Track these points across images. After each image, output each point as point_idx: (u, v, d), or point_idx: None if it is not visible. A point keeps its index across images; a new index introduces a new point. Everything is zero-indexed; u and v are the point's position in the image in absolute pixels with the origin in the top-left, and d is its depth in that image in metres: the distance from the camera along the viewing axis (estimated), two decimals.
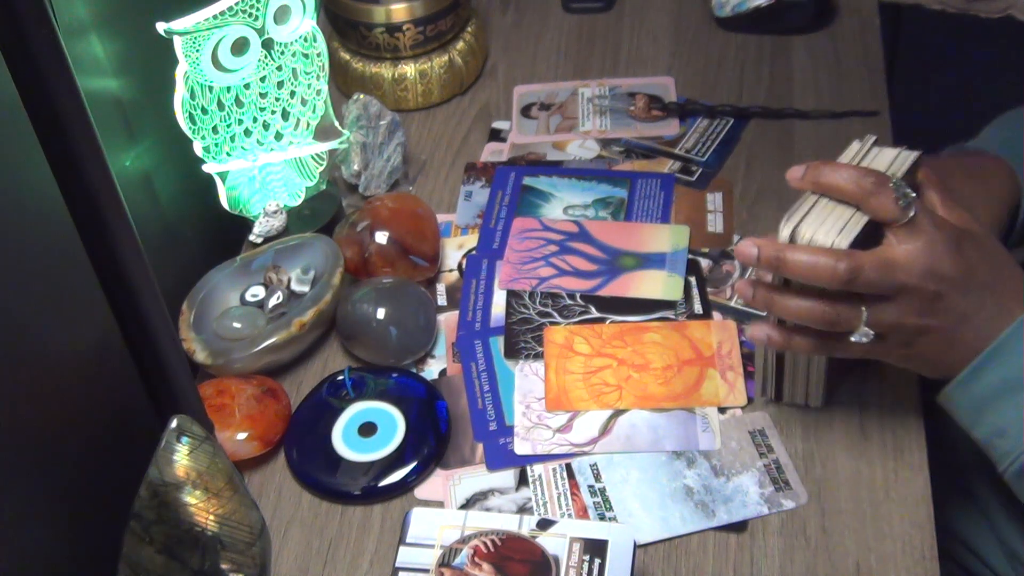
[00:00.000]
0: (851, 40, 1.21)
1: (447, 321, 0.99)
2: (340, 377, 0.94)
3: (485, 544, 0.76)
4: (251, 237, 1.03)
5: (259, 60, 0.98)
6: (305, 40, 1.01)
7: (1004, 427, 0.77)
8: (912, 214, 0.75)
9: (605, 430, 0.89)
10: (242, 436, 0.88)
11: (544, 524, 0.77)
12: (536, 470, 0.88)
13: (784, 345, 0.81)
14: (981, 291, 0.77)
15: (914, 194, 0.75)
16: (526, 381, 0.93)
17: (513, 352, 0.95)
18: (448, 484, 0.87)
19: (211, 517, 0.71)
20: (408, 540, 0.77)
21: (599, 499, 0.85)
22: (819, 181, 0.77)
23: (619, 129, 1.15)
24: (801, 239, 0.77)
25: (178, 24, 0.90)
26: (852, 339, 0.77)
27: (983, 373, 0.77)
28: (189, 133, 0.96)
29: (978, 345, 0.77)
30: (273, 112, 1.01)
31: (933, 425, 0.88)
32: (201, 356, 0.93)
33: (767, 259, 0.76)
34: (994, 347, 0.76)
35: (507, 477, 0.87)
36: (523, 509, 0.85)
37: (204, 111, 0.96)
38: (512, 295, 0.99)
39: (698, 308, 0.97)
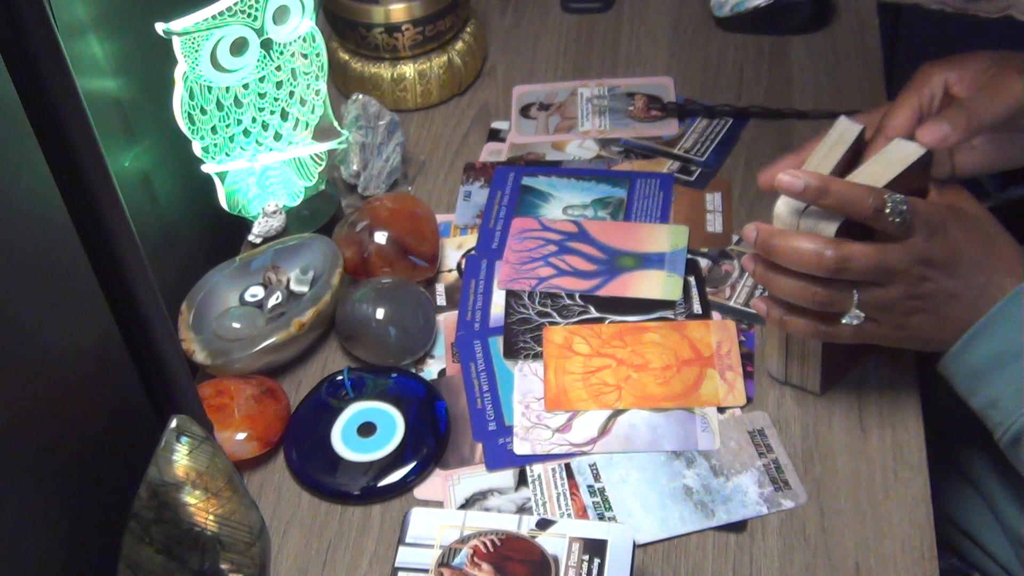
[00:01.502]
0: (850, 40, 1.22)
1: (446, 321, 0.99)
2: (339, 377, 0.94)
3: (484, 544, 0.76)
4: (250, 237, 1.03)
5: (258, 60, 0.98)
6: (304, 40, 1.01)
7: (996, 398, 0.79)
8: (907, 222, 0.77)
9: (604, 430, 0.89)
10: (241, 436, 0.88)
11: (543, 524, 0.77)
12: (535, 470, 0.88)
13: (779, 323, 0.83)
14: (970, 269, 0.79)
15: (906, 206, 0.76)
16: (525, 381, 0.93)
17: (512, 352, 0.95)
18: (447, 484, 0.87)
19: (211, 517, 0.71)
20: (407, 540, 0.77)
21: (598, 499, 0.85)
22: (821, 201, 0.78)
23: (618, 129, 1.15)
24: (785, 219, 0.79)
25: (177, 24, 0.90)
26: (844, 321, 0.79)
27: (975, 345, 0.79)
28: (188, 133, 0.96)
29: (970, 320, 0.79)
30: (272, 112, 1.01)
31: (932, 414, 0.88)
32: (201, 356, 0.93)
33: (761, 244, 0.79)
34: (985, 320, 0.78)
35: (506, 477, 0.87)
36: (522, 509, 0.85)
37: (203, 111, 0.96)
38: (511, 295, 0.99)
39: (697, 308, 0.97)
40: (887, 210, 0.76)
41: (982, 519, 0.95)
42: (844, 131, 0.83)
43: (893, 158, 0.81)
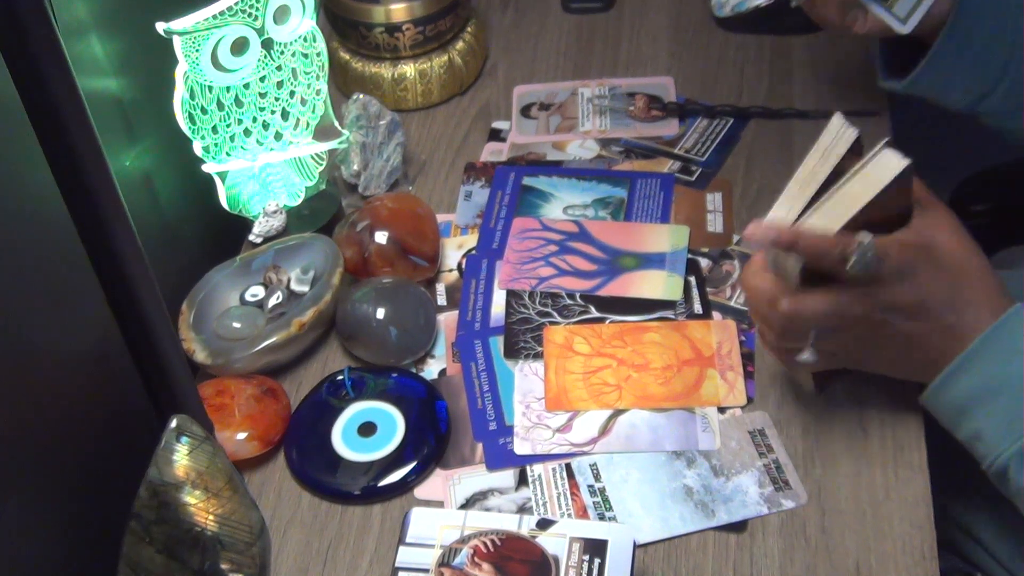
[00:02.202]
0: (851, 40, 1.21)
1: (447, 321, 0.99)
2: (340, 377, 0.94)
3: (485, 544, 0.76)
4: (251, 237, 1.03)
5: (259, 60, 0.98)
6: (305, 40, 1.01)
7: (979, 432, 0.78)
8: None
9: (605, 430, 0.89)
10: (242, 436, 0.88)
11: (544, 524, 0.77)
12: (536, 470, 0.88)
13: (759, 333, 0.85)
14: (938, 311, 0.78)
15: (871, 253, 0.75)
16: (526, 381, 0.93)
17: (513, 352, 0.95)
18: (448, 484, 0.87)
19: (211, 517, 0.71)
20: (408, 540, 0.77)
21: (599, 499, 0.85)
22: (792, 250, 0.76)
23: (619, 129, 1.15)
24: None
25: (178, 24, 0.90)
26: (798, 358, 0.79)
27: (955, 381, 0.78)
28: (189, 133, 0.96)
29: (932, 359, 0.79)
30: (273, 112, 1.01)
31: (932, 437, 0.88)
32: (201, 356, 0.93)
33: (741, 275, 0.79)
34: (964, 356, 0.77)
35: (507, 477, 0.87)
36: (523, 509, 0.85)
37: (204, 111, 0.96)
38: (512, 295, 0.99)
39: (698, 308, 0.97)
40: (852, 260, 0.74)
41: (984, 519, 0.95)
42: (839, 137, 0.79)
43: (875, 176, 0.77)
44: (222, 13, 0.93)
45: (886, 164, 0.77)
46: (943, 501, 0.88)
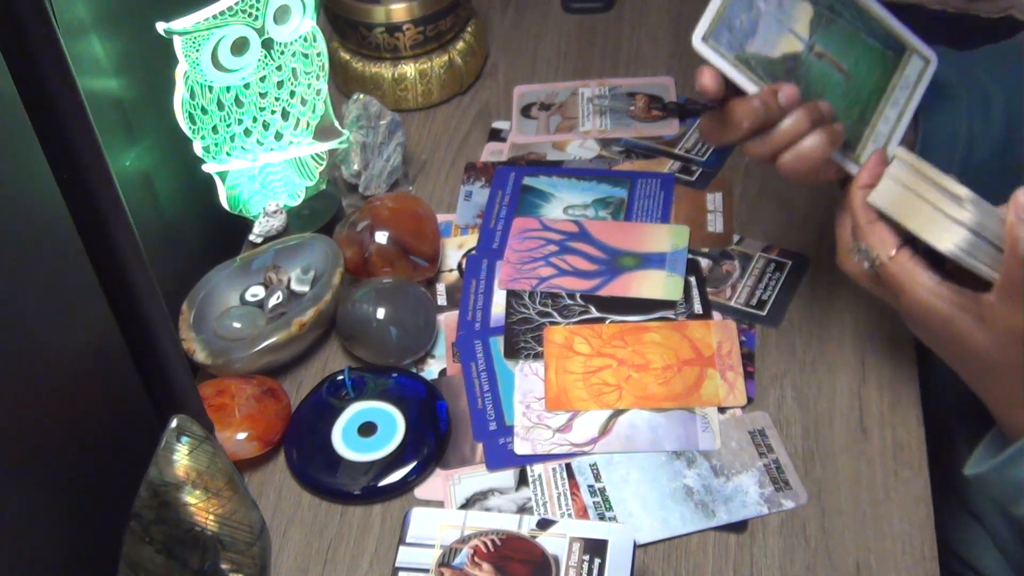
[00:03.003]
0: None
1: (447, 321, 0.99)
2: (340, 377, 0.94)
3: (485, 544, 0.76)
4: (251, 237, 1.03)
5: (259, 60, 0.98)
6: (305, 40, 1.01)
7: None
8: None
9: (605, 430, 0.89)
10: (242, 436, 0.88)
11: (544, 524, 0.77)
12: (536, 470, 0.88)
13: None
14: (997, 371, 0.75)
15: (868, 266, 0.77)
16: (526, 381, 0.93)
17: (513, 352, 0.95)
18: (448, 484, 0.87)
19: (211, 517, 0.71)
20: (408, 540, 0.77)
21: (599, 499, 0.85)
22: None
23: (619, 129, 1.15)
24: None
25: (178, 24, 0.90)
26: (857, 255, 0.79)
27: (1021, 462, 0.74)
28: (189, 133, 0.96)
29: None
30: (273, 112, 1.01)
31: (932, 437, 0.88)
32: (201, 356, 0.93)
33: None
34: None
35: (507, 477, 0.87)
36: (523, 509, 0.85)
37: (204, 111, 0.96)
38: (512, 295, 0.99)
39: (698, 308, 0.97)
40: (857, 250, 0.77)
41: (986, 553, 0.94)
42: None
43: (929, 231, 0.75)
44: (222, 13, 0.93)
45: (939, 236, 0.75)
46: (946, 535, 0.87)
